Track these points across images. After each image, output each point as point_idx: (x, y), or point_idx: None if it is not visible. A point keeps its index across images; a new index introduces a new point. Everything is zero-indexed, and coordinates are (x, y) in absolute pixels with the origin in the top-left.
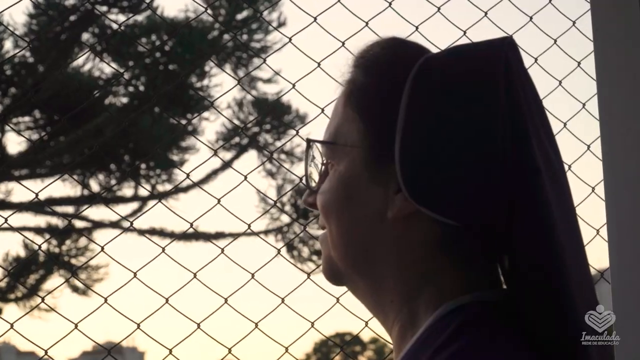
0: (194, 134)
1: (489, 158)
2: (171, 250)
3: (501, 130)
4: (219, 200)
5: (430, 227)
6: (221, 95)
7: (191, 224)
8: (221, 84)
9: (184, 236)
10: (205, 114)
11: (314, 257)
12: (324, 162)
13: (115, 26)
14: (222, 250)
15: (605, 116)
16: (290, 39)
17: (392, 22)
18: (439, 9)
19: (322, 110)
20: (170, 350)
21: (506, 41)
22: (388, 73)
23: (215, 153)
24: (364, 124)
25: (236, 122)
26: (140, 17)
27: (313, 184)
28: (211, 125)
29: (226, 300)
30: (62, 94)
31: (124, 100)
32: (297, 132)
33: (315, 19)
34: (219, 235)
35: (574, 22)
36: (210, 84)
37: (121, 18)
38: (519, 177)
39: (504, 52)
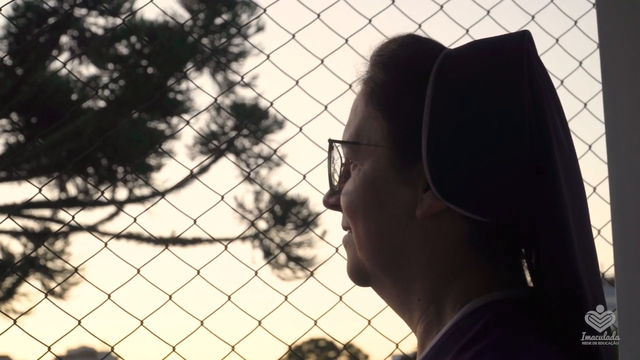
0: (172, 138)
1: (517, 151)
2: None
3: (527, 122)
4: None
5: (459, 224)
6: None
7: (194, 221)
8: (201, 87)
9: (161, 241)
10: (185, 118)
11: (291, 264)
12: (345, 162)
13: (94, 29)
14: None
15: (611, 115)
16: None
17: (392, 21)
18: (441, 7)
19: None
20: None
21: (526, 35)
22: (410, 70)
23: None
24: (387, 122)
25: (214, 127)
26: (119, 20)
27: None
28: (189, 130)
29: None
30: (40, 96)
31: (102, 103)
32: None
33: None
34: (196, 241)
35: (575, 22)
36: (190, 87)
37: (100, 21)
38: (540, 170)
39: (525, 45)
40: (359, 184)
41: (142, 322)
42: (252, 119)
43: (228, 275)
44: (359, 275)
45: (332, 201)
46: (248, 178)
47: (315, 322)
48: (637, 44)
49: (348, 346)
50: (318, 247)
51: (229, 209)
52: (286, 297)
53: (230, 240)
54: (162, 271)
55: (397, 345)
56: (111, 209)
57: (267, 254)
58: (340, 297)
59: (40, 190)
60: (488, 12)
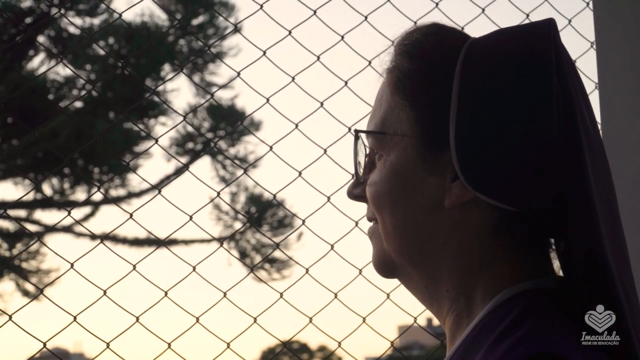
0: (149, 138)
1: (546, 140)
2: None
3: (556, 111)
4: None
5: (488, 213)
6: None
7: (190, 217)
8: (178, 89)
9: (137, 242)
10: (161, 119)
11: (267, 265)
12: (370, 152)
13: (72, 29)
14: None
15: (606, 114)
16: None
17: (387, 18)
18: (437, 4)
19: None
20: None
21: (552, 23)
22: (436, 58)
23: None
24: (414, 111)
25: (190, 128)
26: (97, 21)
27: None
28: (165, 130)
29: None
30: (16, 96)
31: (79, 104)
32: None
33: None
34: (172, 242)
35: (569, 21)
36: (167, 88)
37: (78, 21)
38: (568, 159)
39: (552, 34)
40: (386, 175)
41: (137, 318)
42: (229, 120)
43: (217, 274)
44: (386, 266)
45: (357, 192)
46: (224, 180)
47: (311, 319)
48: (634, 44)
49: (321, 348)
50: (294, 249)
51: (205, 211)
52: (281, 294)
53: (206, 241)
54: (155, 269)
55: (391, 343)
56: (87, 209)
57: (243, 255)
58: (335, 295)
59: (36, 186)
60: (483, 10)
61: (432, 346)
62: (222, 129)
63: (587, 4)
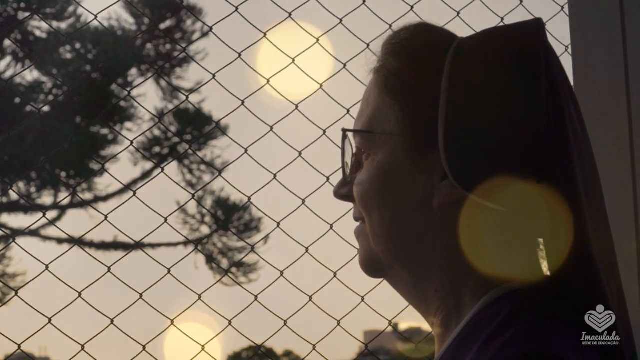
0: (115, 143)
1: (535, 140)
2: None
3: (545, 111)
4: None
5: (477, 213)
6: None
7: (164, 220)
8: (144, 94)
9: (103, 245)
10: (127, 125)
11: (233, 270)
12: (357, 152)
13: (38, 33)
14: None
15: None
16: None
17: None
18: (412, 7)
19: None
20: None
21: (540, 23)
22: (424, 57)
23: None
24: (402, 111)
25: (157, 132)
26: (63, 25)
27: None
28: (132, 135)
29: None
30: None
31: (46, 108)
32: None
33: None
34: (139, 246)
35: (544, 24)
36: (133, 93)
37: (44, 25)
38: (557, 158)
39: (541, 34)
40: (374, 174)
41: (112, 320)
42: (196, 124)
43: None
44: (373, 266)
45: (343, 192)
46: (190, 184)
47: (285, 322)
48: (609, 47)
49: (287, 353)
50: (261, 253)
51: (172, 215)
52: (256, 297)
53: (172, 245)
54: (129, 273)
55: (366, 345)
56: (54, 213)
57: (210, 259)
58: (310, 297)
59: (3, 190)
60: (458, 13)
61: (397, 352)
62: (189, 133)
63: (562, 7)
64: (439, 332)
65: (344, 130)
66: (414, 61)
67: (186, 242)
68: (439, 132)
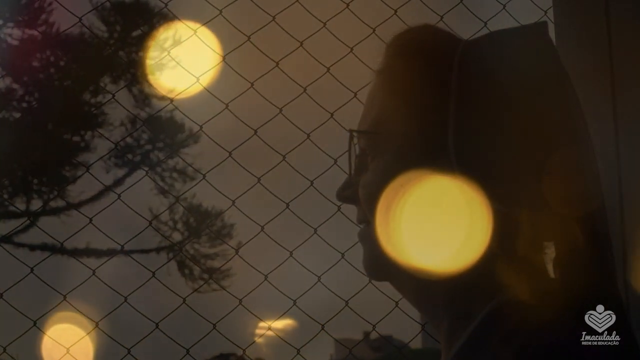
0: (87, 150)
1: (547, 143)
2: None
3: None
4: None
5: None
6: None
7: (150, 222)
8: (115, 102)
9: (76, 252)
10: (98, 132)
11: (205, 276)
12: (362, 153)
13: (9, 40)
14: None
15: None
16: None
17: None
18: (395, 11)
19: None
20: None
21: (546, 25)
22: (431, 59)
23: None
24: (409, 112)
25: (128, 139)
26: (35, 32)
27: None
28: (104, 143)
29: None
30: None
31: (17, 115)
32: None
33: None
34: (110, 252)
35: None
36: (104, 100)
37: (16, 32)
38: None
39: (549, 36)
40: (380, 175)
41: (97, 323)
42: (168, 132)
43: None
44: (377, 270)
45: (346, 194)
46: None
47: (269, 326)
48: (593, 52)
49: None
50: (233, 260)
51: (143, 222)
52: (240, 301)
53: (146, 251)
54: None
55: (350, 349)
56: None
57: (181, 265)
58: (294, 302)
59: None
60: (442, 17)
61: None
62: (161, 140)
63: (545, 12)
64: (445, 338)
65: (351, 131)
66: (421, 62)
67: (158, 249)
68: (449, 133)
